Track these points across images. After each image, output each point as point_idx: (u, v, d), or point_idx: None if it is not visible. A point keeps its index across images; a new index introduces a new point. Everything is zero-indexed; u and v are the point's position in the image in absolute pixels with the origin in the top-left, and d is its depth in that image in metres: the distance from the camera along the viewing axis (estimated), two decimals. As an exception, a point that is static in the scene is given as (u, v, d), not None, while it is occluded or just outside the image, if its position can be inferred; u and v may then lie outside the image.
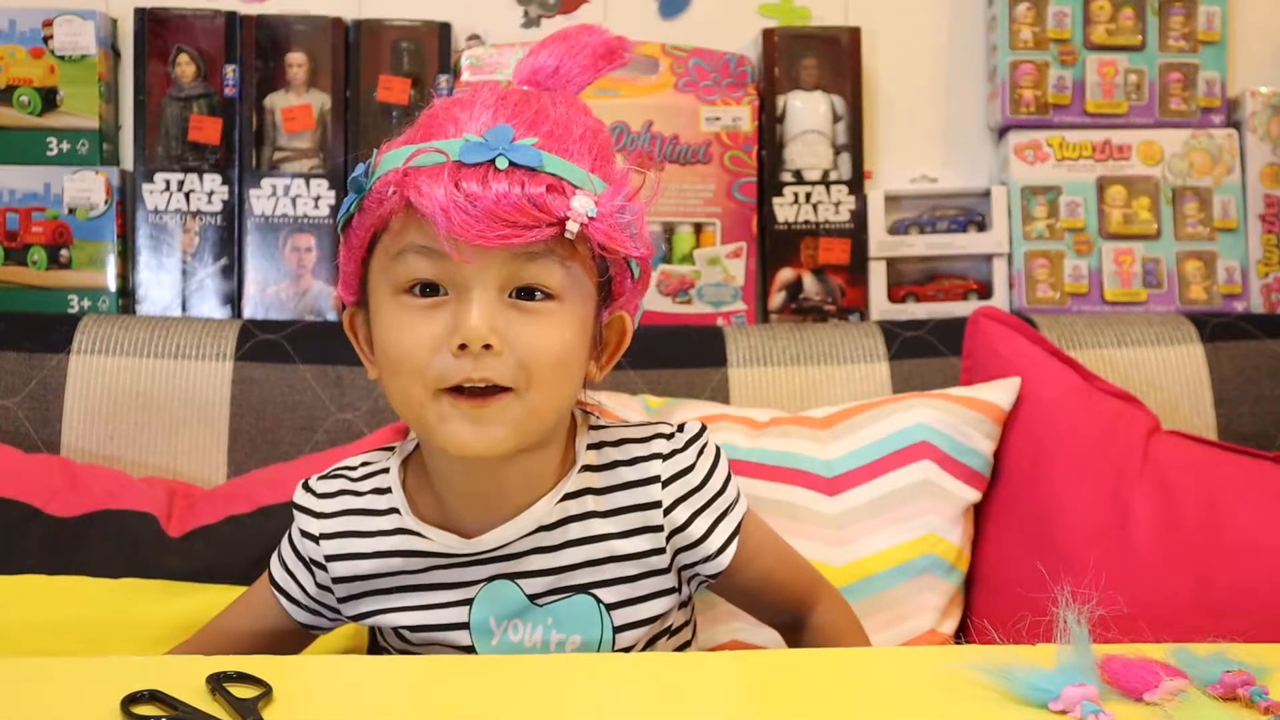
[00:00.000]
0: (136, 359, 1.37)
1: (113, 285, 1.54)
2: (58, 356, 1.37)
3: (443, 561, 0.96)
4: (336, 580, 0.98)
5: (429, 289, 0.87)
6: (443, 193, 0.82)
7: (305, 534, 0.99)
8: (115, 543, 1.18)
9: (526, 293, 0.87)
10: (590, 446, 0.98)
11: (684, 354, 1.41)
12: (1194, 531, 1.22)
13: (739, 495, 1.00)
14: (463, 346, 0.85)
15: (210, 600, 1.14)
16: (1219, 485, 1.24)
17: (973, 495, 1.27)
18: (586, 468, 0.97)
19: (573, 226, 0.84)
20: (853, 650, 0.98)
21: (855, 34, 1.62)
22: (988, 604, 1.26)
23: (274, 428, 1.36)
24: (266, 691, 0.78)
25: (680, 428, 0.99)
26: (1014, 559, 1.26)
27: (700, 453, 0.98)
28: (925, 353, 1.42)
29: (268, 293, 1.55)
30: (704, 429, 1.00)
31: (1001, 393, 1.30)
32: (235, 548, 1.18)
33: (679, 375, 1.40)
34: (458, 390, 0.86)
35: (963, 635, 1.26)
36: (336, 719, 0.78)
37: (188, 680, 0.79)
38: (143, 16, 1.56)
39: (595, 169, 0.88)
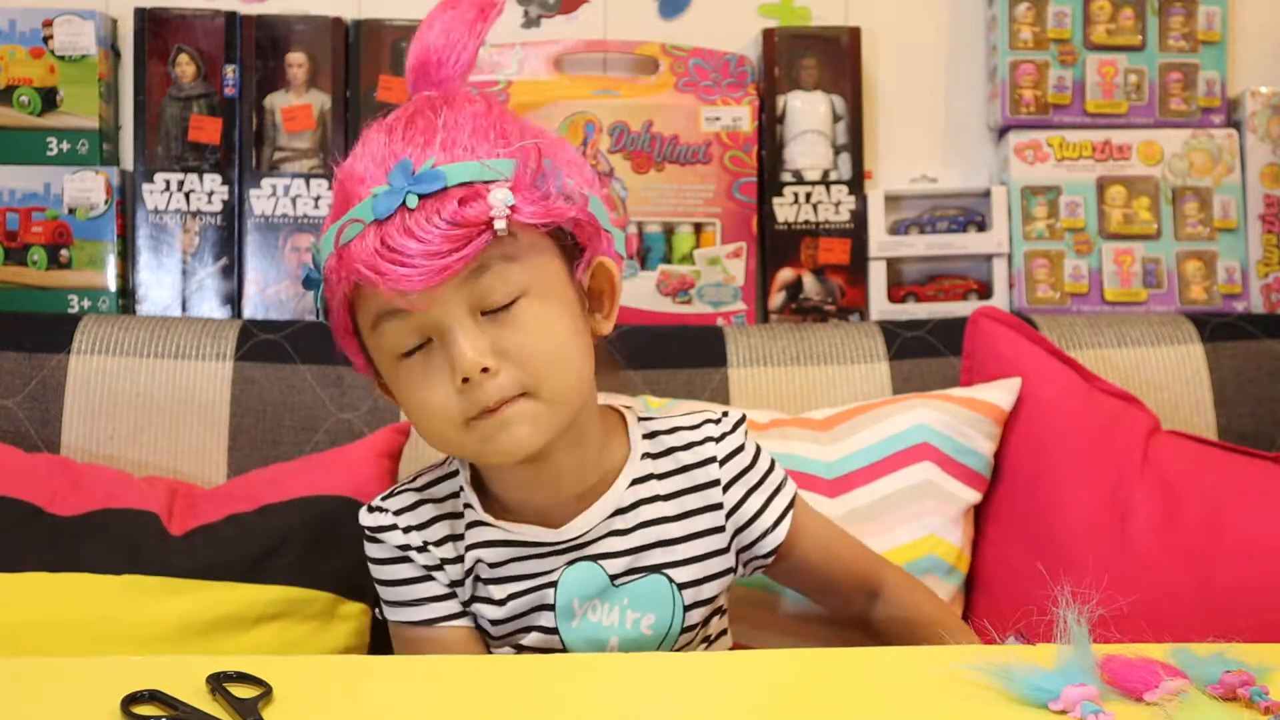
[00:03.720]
0: (136, 359, 1.37)
1: (113, 285, 1.54)
2: (58, 356, 1.36)
3: (523, 553, 0.97)
4: (468, 577, 0.99)
5: (415, 349, 0.89)
6: (369, 258, 0.84)
7: (397, 546, 0.98)
8: (116, 541, 1.18)
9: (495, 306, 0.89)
10: (645, 436, 1.01)
11: (684, 354, 1.41)
12: (1194, 531, 1.22)
13: (786, 477, 1.04)
14: (466, 380, 0.87)
15: (211, 598, 1.14)
16: (1219, 485, 1.24)
17: (973, 496, 1.27)
18: (645, 455, 1.00)
19: (499, 224, 0.85)
20: (853, 650, 0.98)
21: (855, 34, 1.62)
22: (988, 604, 1.26)
23: (274, 428, 1.36)
24: (267, 691, 0.78)
25: (725, 413, 1.03)
26: (1014, 559, 1.26)
27: (748, 434, 1.03)
28: (925, 353, 1.42)
29: (268, 293, 1.55)
30: (744, 416, 1.04)
31: (1002, 393, 1.30)
32: (237, 545, 1.18)
33: (679, 375, 1.40)
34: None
35: (963, 635, 1.26)
36: (336, 719, 0.78)
37: (188, 680, 0.79)
38: (143, 16, 1.56)
39: (498, 148, 0.88)
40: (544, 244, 0.90)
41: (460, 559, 0.99)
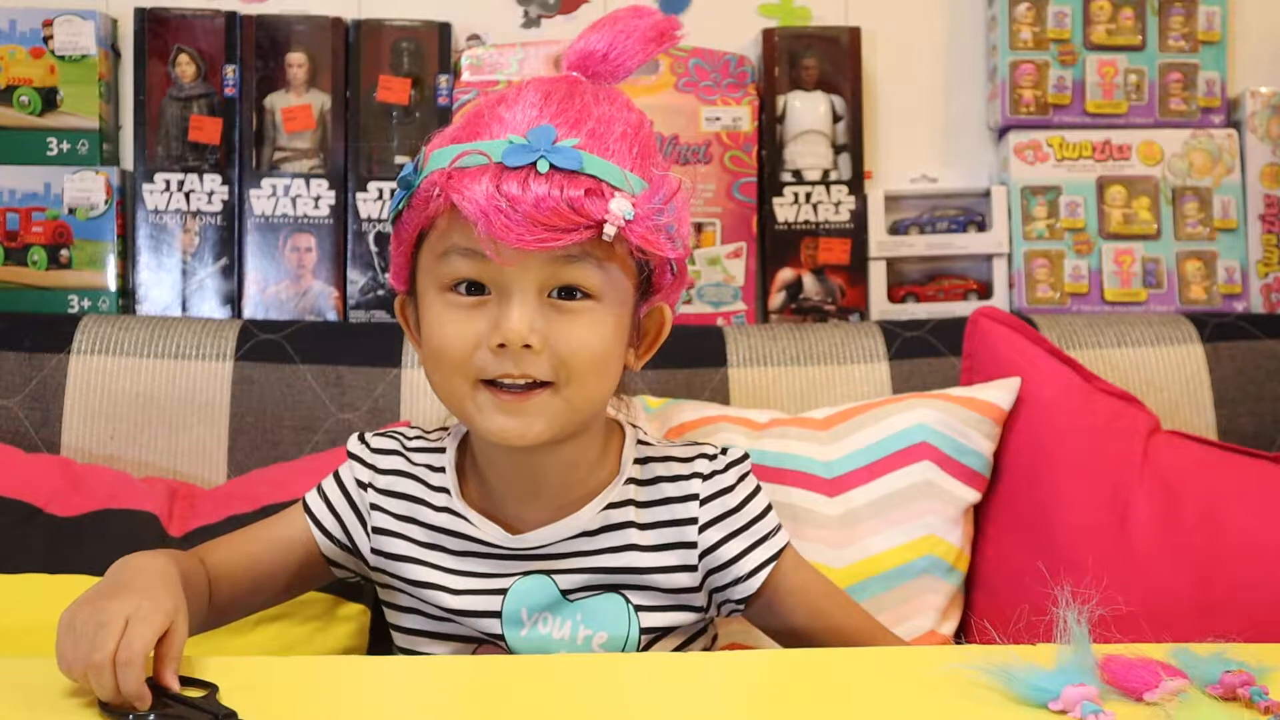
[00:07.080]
0: (136, 359, 1.37)
1: (113, 285, 1.54)
2: (58, 356, 1.36)
3: (481, 550, 0.98)
4: (375, 530, 1.00)
5: (474, 287, 0.90)
6: (483, 195, 0.85)
7: (357, 481, 1.01)
8: (116, 542, 1.17)
9: (566, 292, 0.90)
10: (637, 460, 1.00)
11: (684, 354, 1.41)
12: (1194, 531, 1.22)
13: (779, 528, 1.01)
14: (502, 345, 0.88)
15: (210, 600, 1.14)
16: (1219, 485, 1.25)
17: (973, 496, 1.27)
18: (631, 480, 0.99)
19: (609, 229, 0.86)
20: (853, 650, 0.98)
21: (855, 34, 1.62)
22: (988, 604, 1.26)
23: (274, 428, 1.36)
24: (213, 691, 0.78)
25: (724, 450, 1.01)
26: (1014, 559, 1.26)
27: (741, 477, 1.00)
28: (925, 353, 1.42)
29: (268, 293, 1.55)
30: (746, 456, 1.02)
31: (1001, 393, 1.30)
32: (235, 548, 1.18)
33: (679, 375, 1.40)
34: (496, 385, 0.90)
35: (963, 635, 1.26)
36: (333, 718, 0.78)
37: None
38: (143, 16, 1.56)
39: (635, 167, 0.90)
40: (630, 268, 0.93)
41: (400, 519, 1.00)
